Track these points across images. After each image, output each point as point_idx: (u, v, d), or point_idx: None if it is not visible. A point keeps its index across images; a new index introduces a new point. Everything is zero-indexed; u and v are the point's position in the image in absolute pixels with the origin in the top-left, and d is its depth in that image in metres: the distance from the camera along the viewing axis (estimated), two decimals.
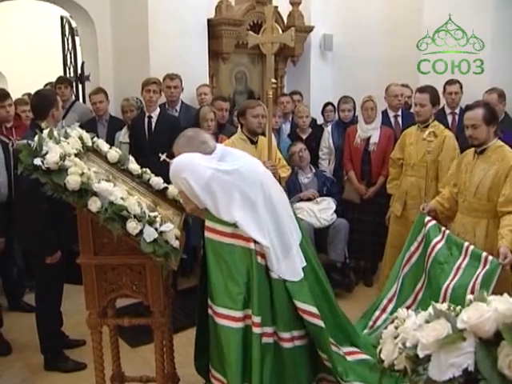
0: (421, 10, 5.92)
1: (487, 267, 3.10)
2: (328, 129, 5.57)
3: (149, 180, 3.08)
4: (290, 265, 2.71)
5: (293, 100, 5.95)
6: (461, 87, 5.17)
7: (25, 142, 2.48)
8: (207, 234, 2.64)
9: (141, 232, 2.40)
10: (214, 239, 2.63)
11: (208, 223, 2.63)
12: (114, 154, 3.02)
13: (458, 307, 1.46)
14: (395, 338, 1.56)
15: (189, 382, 3.18)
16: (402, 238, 3.88)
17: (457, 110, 5.24)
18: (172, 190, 3.05)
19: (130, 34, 5.77)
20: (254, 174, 2.71)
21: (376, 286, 4.83)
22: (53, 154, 2.42)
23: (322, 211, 4.89)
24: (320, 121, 6.09)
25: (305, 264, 2.82)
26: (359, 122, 5.11)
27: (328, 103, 6.03)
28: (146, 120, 4.98)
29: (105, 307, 2.78)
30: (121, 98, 5.47)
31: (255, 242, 2.61)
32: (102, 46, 5.96)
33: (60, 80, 5.69)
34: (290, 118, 5.89)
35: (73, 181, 2.39)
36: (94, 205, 2.40)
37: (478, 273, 3.13)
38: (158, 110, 5.05)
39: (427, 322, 1.46)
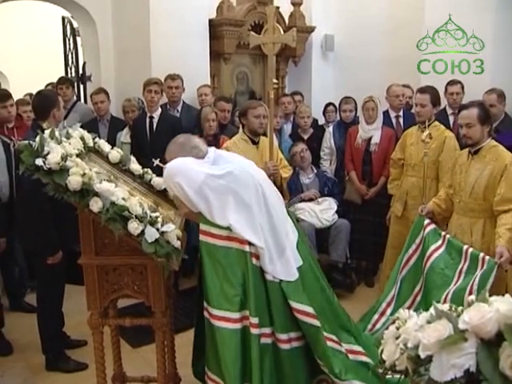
0: (422, 10, 5.92)
1: (484, 267, 3.10)
2: (329, 129, 5.58)
3: (150, 180, 3.08)
4: (284, 265, 2.72)
5: (294, 100, 5.95)
6: (462, 88, 5.16)
7: (26, 142, 2.48)
8: (202, 238, 2.65)
9: (142, 232, 2.40)
10: (209, 242, 2.64)
11: (203, 227, 2.64)
12: (115, 154, 3.02)
13: (460, 308, 1.45)
14: (397, 338, 1.55)
15: (190, 382, 3.17)
16: (403, 239, 3.88)
17: None
18: None
19: (131, 34, 5.77)
20: (247, 175, 2.71)
21: (377, 287, 4.83)
22: (54, 155, 2.42)
23: (324, 212, 4.89)
24: (321, 121, 6.09)
25: (300, 263, 2.83)
26: (360, 122, 5.11)
27: (329, 103, 6.04)
28: (148, 120, 4.99)
29: (106, 307, 2.79)
30: (122, 98, 5.47)
31: (250, 244, 2.62)
32: (104, 46, 5.97)
33: (61, 80, 5.70)
34: (292, 119, 5.89)
35: (74, 181, 2.39)
36: (96, 205, 2.40)
37: (476, 274, 3.13)
38: (160, 110, 5.06)
39: (429, 322, 1.46)
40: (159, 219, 2.50)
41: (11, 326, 4.15)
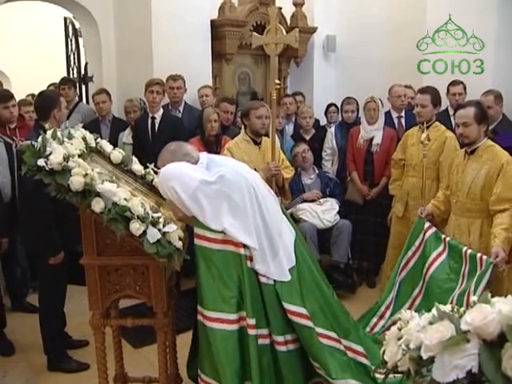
0: (424, 10, 5.92)
1: (483, 267, 3.10)
2: (331, 130, 5.58)
3: (152, 181, 3.09)
4: (278, 266, 2.73)
5: (295, 101, 5.95)
6: (464, 88, 5.16)
7: (28, 142, 2.49)
8: (197, 242, 2.65)
9: (144, 233, 2.41)
10: (204, 246, 2.64)
11: (197, 231, 2.65)
12: (117, 154, 3.02)
13: (462, 309, 1.45)
14: (399, 339, 1.55)
15: (191, 383, 3.17)
16: (404, 239, 3.88)
17: None
18: None
19: (133, 34, 5.77)
20: (240, 177, 2.71)
21: (379, 287, 4.82)
22: (56, 155, 2.42)
23: (325, 212, 4.89)
24: (323, 122, 6.09)
25: (293, 264, 2.83)
26: (362, 122, 5.11)
27: (331, 104, 6.04)
28: (150, 121, 4.99)
29: (108, 308, 2.79)
30: (124, 98, 5.47)
31: (245, 246, 2.64)
32: (106, 46, 5.97)
33: (64, 81, 5.71)
34: (293, 119, 5.89)
35: (76, 181, 2.39)
36: (98, 205, 2.41)
37: (476, 275, 3.13)
38: (162, 110, 5.06)
39: (431, 323, 1.46)
40: (161, 220, 2.50)
41: (13, 327, 4.15)
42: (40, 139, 2.49)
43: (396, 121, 5.41)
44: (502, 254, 3.05)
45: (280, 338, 2.71)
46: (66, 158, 2.45)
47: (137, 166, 3.09)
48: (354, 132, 5.17)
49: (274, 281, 2.70)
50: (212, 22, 5.89)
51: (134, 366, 3.41)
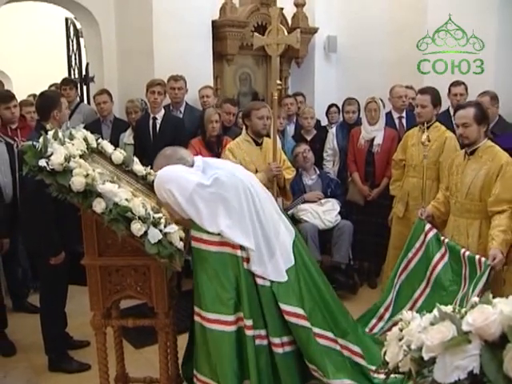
0: (425, 11, 5.92)
1: (482, 269, 3.09)
2: (332, 130, 5.58)
3: (153, 181, 3.08)
4: (275, 266, 2.73)
5: (296, 101, 5.96)
6: (466, 89, 5.15)
7: (30, 143, 2.49)
8: (194, 244, 2.66)
9: (145, 233, 2.41)
10: (201, 248, 2.65)
11: (194, 233, 2.65)
12: (118, 155, 3.03)
13: (463, 309, 1.45)
14: (400, 340, 1.55)
15: None
16: (405, 239, 3.87)
17: None
18: None
19: (134, 35, 5.78)
20: (235, 179, 2.72)
21: (380, 288, 4.82)
22: (58, 156, 2.43)
23: (327, 213, 4.89)
24: (324, 122, 6.08)
25: (292, 264, 2.83)
26: (363, 123, 5.11)
27: (332, 105, 6.03)
28: (151, 121, 4.99)
29: (109, 308, 2.79)
30: (125, 99, 5.48)
31: (242, 248, 2.64)
32: (107, 47, 5.97)
33: (65, 81, 5.72)
34: (294, 120, 5.89)
35: (77, 182, 2.40)
36: (99, 206, 2.41)
37: (476, 277, 3.12)
38: (163, 111, 5.06)
39: (432, 324, 1.46)
40: (162, 220, 2.50)
41: (14, 327, 4.15)
42: (41, 140, 2.49)
43: (397, 121, 5.41)
44: (500, 257, 3.05)
45: (277, 340, 2.71)
46: (68, 159, 2.45)
47: (138, 167, 3.10)
48: (354, 132, 5.17)
49: (271, 282, 2.71)
50: (213, 22, 5.90)
51: (135, 366, 3.41)
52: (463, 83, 5.20)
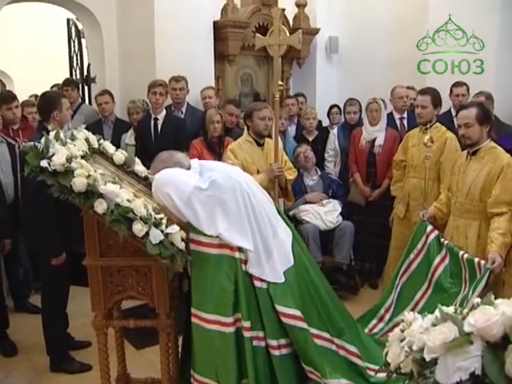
0: (426, 11, 5.91)
1: (482, 272, 3.07)
2: (334, 131, 5.57)
3: None
4: (272, 267, 2.73)
5: (297, 102, 5.96)
6: (468, 89, 5.14)
7: (31, 143, 2.49)
8: (193, 247, 2.65)
9: (147, 234, 2.41)
10: (199, 251, 2.64)
11: (193, 236, 2.65)
12: (120, 156, 3.03)
13: (465, 310, 1.45)
14: (401, 340, 1.55)
15: None
16: (406, 240, 3.86)
17: None
18: None
19: (136, 36, 5.78)
20: (231, 181, 2.72)
21: (381, 288, 4.82)
22: (59, 156, 2.43)
23: (328, 213, 4.89)
24: (326, 123, 6.08)
25: (291, 264, 2.83)
26: (364, 124, 5.11)
27: (334, 105, 6.02)
28: (152, 122, 5.00)
29: (110, 309, 2.79)
30: (127, 100, 5.48)
31: (240, 250, 2.64)
32: (108, 48, 5.97)
33: (67, 82, 5.73)
34: (296, 121, 5.89)
35: (79, 183, 2.40)
36: (100, 207, 2.41)
37: (476, 280, 3.11)
38: (164, 112, 5.06)
39: (434, 325, 1.46)
40: (164, 221, 2.50)
41: (16, 327, 4.16)
42: (43, 140, 2.49)
43: (398, 122, 5.41)
44: (499, 260, 3.03)
45: (274, 343, 2.71)
46: (69, 159, 2.45)
47: (139, 167, 3.10)
48: (356, 133, 5.17)
49: (268, 284, 2.71)
50: (214, 23, 5.89)
51: (136, 367, 3.41)
52: (465, 84, 5.19)
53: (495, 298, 1.43)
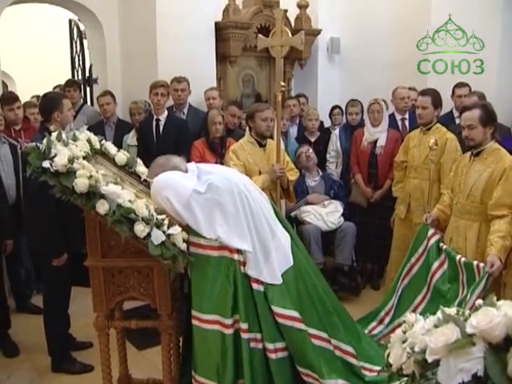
0: (428, 11, 5.91)
1: (480, 275, 3.05)
2: (336, 132, 5.57)
3: None
4: (270, 269, 2.73)
5: (299, 103, 5.96)
6: (470, 90, 5.14)
7: (33, 144, 2.50)
8: (193, 249, 2.65)
9: (148, 235, 2.41)
10: (199, 253, 2.65)
11: (193, 239, 2.65)
12: (121, 156, 3.03)
13: (467, 312, 1.45)
14: (403, 342, 1.55)
15: None
16: (407, 241, 3.86)
17: None
18: None
19: (138, 37, 5.79)
20: (229, 183, 2.71)
21: (383, 289, 4.82)
22: (61, 157, 2.43)
23: (330, 214, 4.88)
24: (327, 124, 6.08)
25: (290, 265, 2.83)
26: (366, 125, 5.10)
27: (335, 106, 6.02)
28: (154, 123, 5.00)
29: (112, 309, 2.80)
30: (129, 100, 5.48)
31: (239, 252, 2.65)
32: (110, 49, 5.98)
33: (69, 83, 5.73)
34: (297, 121, 5.89)
35: (81, 183, 2.40)
36: (102, 207, 2.41)
37: (475, 283, 3.10)
38: (166, 112, 5.06)
39: (436, 326, 1.46)
40: (165, 221, 2.50)
41: (17, 328, 4.16)
42: (45, 141, 2.50)
43: (400, 123, 5.40)
44: (498, 263, 3.00)
45: (270, 346, 2.71)
46: (71, 160, 2.45)
47: (141, 168, 3.10)
48: (357, 134, 5.17)
49: (265, 286, 2.71)
50: (216, 24, 5.90)
51: (137, 367, 3.41)
52: (467, 85, 5.20)
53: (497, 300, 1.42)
